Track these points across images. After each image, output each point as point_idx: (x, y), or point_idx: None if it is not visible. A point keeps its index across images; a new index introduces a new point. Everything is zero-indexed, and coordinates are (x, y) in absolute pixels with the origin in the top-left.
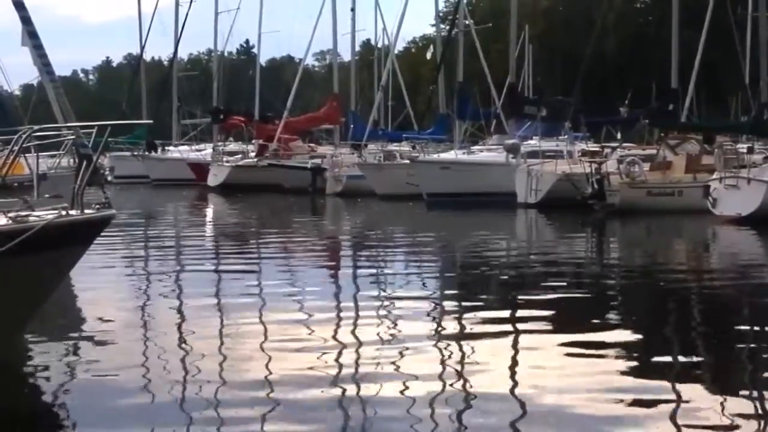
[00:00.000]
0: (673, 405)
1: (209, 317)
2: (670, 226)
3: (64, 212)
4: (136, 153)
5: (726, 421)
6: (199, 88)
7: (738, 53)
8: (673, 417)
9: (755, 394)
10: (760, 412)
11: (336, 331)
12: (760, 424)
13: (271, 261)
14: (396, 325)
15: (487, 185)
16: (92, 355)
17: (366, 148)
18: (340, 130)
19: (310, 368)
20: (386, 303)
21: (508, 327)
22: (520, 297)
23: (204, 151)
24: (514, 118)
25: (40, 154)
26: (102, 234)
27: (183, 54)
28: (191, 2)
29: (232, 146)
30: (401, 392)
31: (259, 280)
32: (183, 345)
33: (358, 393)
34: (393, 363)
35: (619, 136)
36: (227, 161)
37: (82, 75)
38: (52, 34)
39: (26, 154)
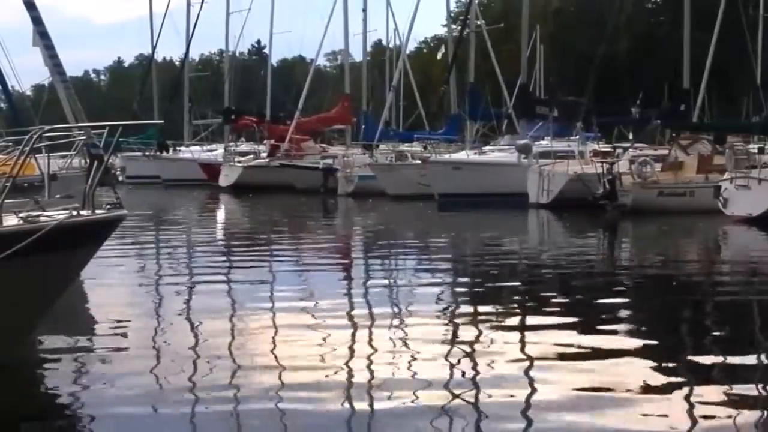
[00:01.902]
0: (687, 406)
1: (221, 318)
2: (682, 226)
3: (75, 212)
4: (147, 153)
5: (733, 419)
6: (210, 88)
7: (750, 54)
8: (686, 419)
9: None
10: None
11: (349, 334)
12: None
13: (284, 263)
14: (408, 330)
15: (498, 185)
16: (103, 354)
17: (377, 149)
18: (351, 131)
19: (323, 368)
20: (400, 306)
21: (521, 331)
22: (533, 299)
23: (215, 152)
24: (526, 119)
25: (51, 154)
26: (113, 234)
27: (194, 54)
28: (202, 3)
29: (244, 146)
30: (415, 395)
31: (271, 283)
32: (194, 345)
33: (369, 394)
34: (406, 365)
35: (630, 136)
36: (239, 161)
37: (93, 75)
38: (63, 35)
39: (37, 155)
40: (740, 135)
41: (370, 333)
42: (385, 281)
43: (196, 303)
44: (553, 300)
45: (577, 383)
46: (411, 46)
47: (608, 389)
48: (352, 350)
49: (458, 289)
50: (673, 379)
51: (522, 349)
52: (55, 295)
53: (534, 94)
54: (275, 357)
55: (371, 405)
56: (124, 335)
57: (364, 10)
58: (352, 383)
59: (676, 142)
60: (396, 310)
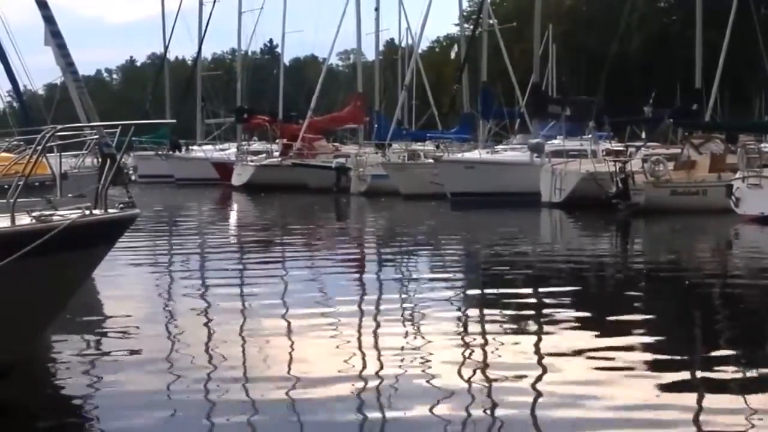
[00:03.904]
0: (697, 406)
1: (233, 316)
2: (694, 225)
3: (87, 212)
4: (160, 152)
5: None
6: (222, 87)
7: (762, 53)
8: (696, 420)
9: None
10: None
11: (360, 332)
12: None
13: (297, 261)
14: (421, 327)
15: (511, 185)
16: (115, 353)
17: (390, 148)
18: (364, 130)
19: (335, 366)
20: (412, 305)
21: (532, 329)
22: (546, 297)
23: (228, 151)
24: (538, 118)
25: (63, 153)
26: (126, 233)
27: (207, 53)
28: (215, 2)
29: (256, 146)
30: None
31: (284, 282)
32: (206, 344)
33: (380, 394)
34: (419, 364)
35: (643, 135)
36: (251, 161)
37: (105, 75)
38: (75, 34)
39: (48, 154)
40: (752, 134)
41: (383, 331)
42: (399, 280)
43: (209, 302)
44: (565, 299)
45: (589, 378)
46: (423, 45)
47: (618, 385)
48: (366, 350)
49: (471, 288)
50: (683, 377)
51: (534, 347)
52: (68, 294)
53: (546, 93)
54: (287, 355)
55: (380, 394)
56: (136, 334)
57: (377, 9)
58: (366, 386)
59: (689, 141)
60: (410, 307)
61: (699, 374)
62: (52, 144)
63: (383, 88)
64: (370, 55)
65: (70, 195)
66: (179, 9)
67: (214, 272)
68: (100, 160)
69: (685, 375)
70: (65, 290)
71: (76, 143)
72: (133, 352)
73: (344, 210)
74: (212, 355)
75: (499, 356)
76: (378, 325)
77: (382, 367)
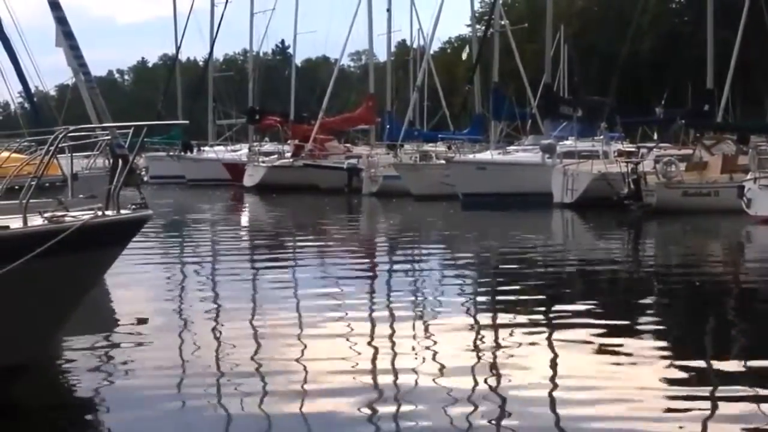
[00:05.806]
0: (710, 406)
1: (244, 316)
2: (706, 226)
3: (99, 213)
4: (171, 153)
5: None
6: (234, 88)
7: None
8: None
9: None
10: None
11: (370, 332)
12: None
13: (307, 261)
14: (433, 327)
15: (522, 185)
16: (126, 354)
17: (402, 149)
18: (375, 131)
19: (345, 366)
20: (423, 306)
21: (545, 330)
22: (556, 297)
23: (239, 152)
24: (550, 118)
25: (74, 154)
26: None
27: (218, 54)
28: (227, 2)
29: (268, 146)
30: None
31: (294, 280)
32: (217, 344)
33: (395, 394)
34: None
35: (655, 136)
36: (263, 161)
37: (117, 75)
38: (86, 35)
39: (59, 155)
40: (764, 135)
41: (394, 330)
42: (412, 281)
43: (220, 301)
44: (577, 299)
45: (599, 380)
46: (435, 46)
47: (627, 387)
48: (376, 349)
49: (483, 289)
50: (692, 379)
51: (546, 349)
52: (80, 295)
53: (558, 93)
54: (298, 355)
55: (396, 390)
56: (148, 335)
57: (389, 10)
58: (376, 383)
59: (701, 142)
60: (422, 308)
61: (707, 381)
62: (64, 145)
63: (395, 89)
64: (381, 56)
65: (81, 196)
66: (191, 10)
67: (225, 273)
68: (111, 160)
69: (692, 382)
70: (77, 291)
71: (87, 144)
72: (144, 353)
73: (356, 211)
74: (223, 355)
75: (511, 358)
76: (391, 327)
77: (396, 374)
